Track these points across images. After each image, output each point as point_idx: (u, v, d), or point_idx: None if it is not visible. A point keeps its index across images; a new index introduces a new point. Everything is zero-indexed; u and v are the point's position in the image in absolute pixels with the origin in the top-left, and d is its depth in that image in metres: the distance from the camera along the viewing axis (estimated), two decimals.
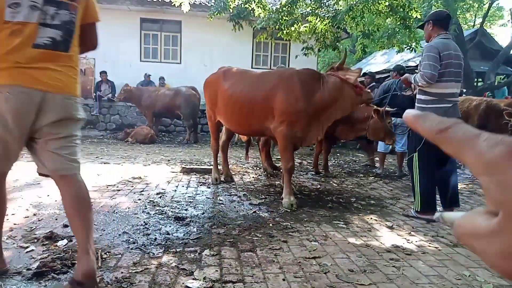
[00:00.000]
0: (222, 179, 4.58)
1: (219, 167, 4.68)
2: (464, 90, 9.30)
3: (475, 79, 12.91)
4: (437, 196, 3.45)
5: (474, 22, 21.20)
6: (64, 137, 1.81)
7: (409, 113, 0.35)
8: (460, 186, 4.25)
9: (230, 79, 3.99)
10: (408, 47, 8.30)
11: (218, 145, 4.65)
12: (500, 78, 13.54)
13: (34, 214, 2.97)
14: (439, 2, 12.39)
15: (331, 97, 3.52)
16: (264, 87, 3.69)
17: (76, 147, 1.88)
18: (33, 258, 2.14)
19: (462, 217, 0.31)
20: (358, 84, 3.59)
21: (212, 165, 4.75)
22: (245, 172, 5.37)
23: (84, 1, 1.90)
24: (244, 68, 4.41)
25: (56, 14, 1.79)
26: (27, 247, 2.29)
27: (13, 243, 2.35)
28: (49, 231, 2.50)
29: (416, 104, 3.45)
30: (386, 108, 4.84)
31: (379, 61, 14.08)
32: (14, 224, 2.70)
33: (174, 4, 7.67)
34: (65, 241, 2.40)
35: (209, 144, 5.08)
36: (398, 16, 7.58)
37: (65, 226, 2.71)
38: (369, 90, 4.44)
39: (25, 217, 2.88)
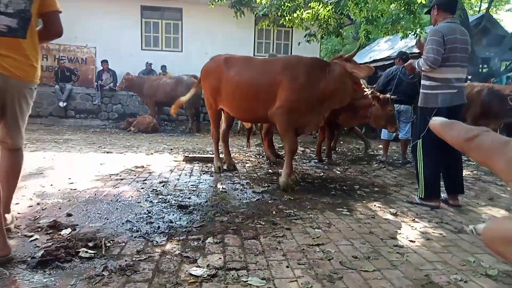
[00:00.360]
0: (224, 167, 4.58)
1: (221, 155, 4.67)
2: (470, 77, 9.17)
3: (480, 65, 12.74)
4: (442, 183, 3.43)
5: (480, 7, 20.80)
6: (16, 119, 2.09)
7: (435, 120, 0.34)
8: (464, 172, 4.23)
9: (234, 66, 3.96)
10: (413, 33, 8.18)
11: (218, 133, 4.63)
12: (506, 64, 13.35)
13: (38, 204, 2.98)
14: None
15: (334, 87, 3.56)
16: (270, 73, 3.70)
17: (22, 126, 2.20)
18: (37, 247, 2.15)
19: (492, 222, 0.30)
20: (359, 81, 3.62)
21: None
22: (248, 160, 5.36)
23: None
24: (247, 55, 4.38)
25: (10, 2, 1.88)
26: (31, 236, 2.29)
27: (17, 232, 2.36)
28: (53, 220, 2.51)
29: (420, 90, 3.39)
30: (389, 95, 4.79)
31: (383, 48, 13.88)
32: (18, 213, 2.70)
33: None
34: (68, 230, 2.40)
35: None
36: (402, 2, 7.45)
37: (69, 215, 2.72)
38: (366, 91, 4.41)
39: (29, 207, 2.89)
